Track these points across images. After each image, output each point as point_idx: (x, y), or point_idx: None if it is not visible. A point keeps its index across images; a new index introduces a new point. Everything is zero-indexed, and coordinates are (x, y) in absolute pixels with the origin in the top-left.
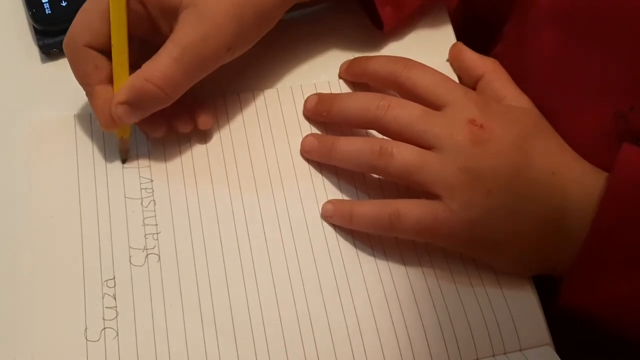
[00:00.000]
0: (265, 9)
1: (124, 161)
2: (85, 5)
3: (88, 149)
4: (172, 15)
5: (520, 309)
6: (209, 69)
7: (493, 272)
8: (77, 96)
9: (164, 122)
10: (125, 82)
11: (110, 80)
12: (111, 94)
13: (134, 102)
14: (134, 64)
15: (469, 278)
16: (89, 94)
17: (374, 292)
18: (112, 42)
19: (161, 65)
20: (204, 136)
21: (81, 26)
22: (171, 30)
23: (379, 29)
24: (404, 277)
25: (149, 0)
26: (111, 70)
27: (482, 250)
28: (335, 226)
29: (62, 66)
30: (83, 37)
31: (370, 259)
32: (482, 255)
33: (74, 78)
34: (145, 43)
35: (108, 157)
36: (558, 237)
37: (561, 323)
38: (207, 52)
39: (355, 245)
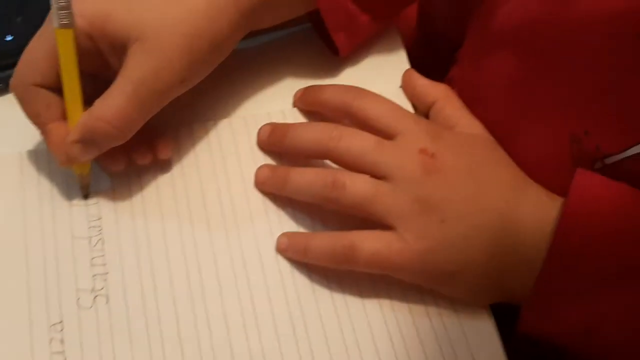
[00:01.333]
0: (218, 40)
1: (85, 197)
2: (30, 45)
3: (34, 187)
4: (121, 50)
5: (479, 340)
6: (163, 103)
7: (450, 303)
8: (24, 133)
9: (123, 155)
10: (78, 121)
11: (64, 117)
12: (66, 131)
13: (87, 141)
14: (88, 100)
15: (426, 309)
16: (43, 132)
17: (330, 328)
18: (63, 80)
19: (113, 102)
20: (154, 171)
21: (28, 66)
22: (121, 64)
23: (336, 55)
24: (361, 311)
25: (97, 35)
26: (64, 107)
27: (438, 281)
28: (291, 260)
29: (7, 102)
30: (31, 77)
31: (327, 292)
32: (438, 286)
33: (20, 115)
34: (97, 78)
35: (55, 195)
36: (514, 265)
37: (523, 347)
38: (160, 86)
39: (311, 279)
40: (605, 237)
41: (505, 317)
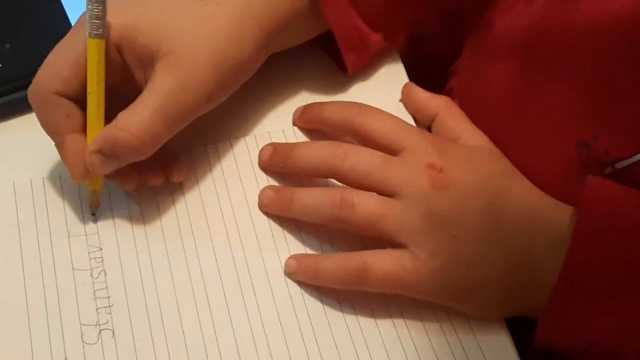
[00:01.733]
0: (243, 59)
1: (93, 214)
2: (54, 52)
3: (30, 219)
4: (148, 64)
5: (495, 355)
6: (188, 120)
7: (465, 318)
8: (17, 164)
9: (136, 174)
10: (100, 132)
11: (82, 130)
12: (84, 144)
13: (108, 153)
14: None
15: (440, 326)
16: (58, 144)
17: (344, 350)
18: (89, 91)
19: (139, 114)
20: (155, 197)
21: (50, 74)
22: (146, 79)
23: (344, 72)
24: (375, 331)
25: (126, 47)
26: (83, 119)
27: (452, 298)
28: (299, 282)
29: None
30: (53, 85)
31: (339, 314)
32: (453, 303)
33: (11, 145)
34: (114, 92)
35: (53, 226)
36: (529, 278)
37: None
38: (187, 101)
39: (322, 301)
40: (621, 245)
41: (521, 331)
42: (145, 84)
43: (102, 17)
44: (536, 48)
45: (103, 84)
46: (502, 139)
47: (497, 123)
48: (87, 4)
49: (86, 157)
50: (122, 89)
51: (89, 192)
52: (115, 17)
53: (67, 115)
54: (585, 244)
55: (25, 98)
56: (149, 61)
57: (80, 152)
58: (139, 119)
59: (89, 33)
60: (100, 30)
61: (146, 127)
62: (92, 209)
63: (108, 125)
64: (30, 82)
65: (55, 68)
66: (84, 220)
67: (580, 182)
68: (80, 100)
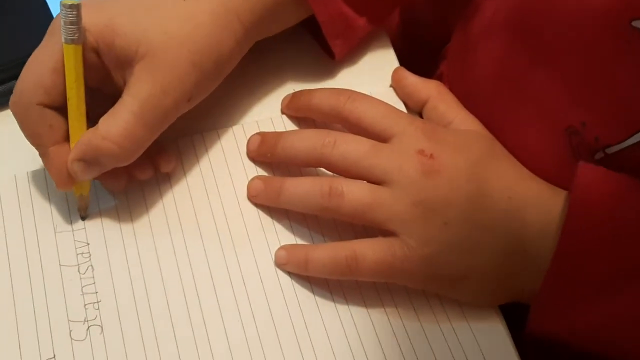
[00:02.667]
0: (224, 56)
1: (83, 218)
2: (31, 62)
3: (16, 216)
4: (127, 66)
5: (490, 342)
6: (169, 121)
7: (458, 305)
8: (0, 159)
9: (124, 172)
10: (81, 138)
11: (65, 139)
12: (68, 154)
13: (90, 160)
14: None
15: (433, 314)
16: (43, 154)
17: (336, 340)
18: (68, 97)
19: (120, 120)
20: (141, 189)
21: (31, 84)
22: (125, 80)
23: (332, 58)
24: (367, 321)
25: (104, 49)
26: (67, 128)
27: (444, 285)
28: (290, 272)
29: None
30: (35, 96)
31: (330, 304)
32: (445, 290)
33: None
34: (96, 91)
35: (39, 222)
36: (521, 264)
37: (535, 347)
38: (167, 104)
39: (313, 291)
40: (613, 232)
41: (516, 317)
42: (124, 84)
43: (76, 22)
44: (524, 33)
45: (82, 89)
46: (493, 123)
47: (487, 107)
48: (61, 10)
49: (69, 165)
50: (103, 89)
51: (76, 197)
52: (91, 19)
53: (50, 126)
54: (577, 232)
55: (7, 92)
56: (127, 63)
57: (64, 163)
58: (120, 125)
59: (65, 39)
60: (76, 35)
61: (128, 134)
62: (81, 212)
63: (89, 131)
64: (12, 76)
65: (35, 77)
66: (70, 216)
67: (572, 167)
68: (63, 107)
